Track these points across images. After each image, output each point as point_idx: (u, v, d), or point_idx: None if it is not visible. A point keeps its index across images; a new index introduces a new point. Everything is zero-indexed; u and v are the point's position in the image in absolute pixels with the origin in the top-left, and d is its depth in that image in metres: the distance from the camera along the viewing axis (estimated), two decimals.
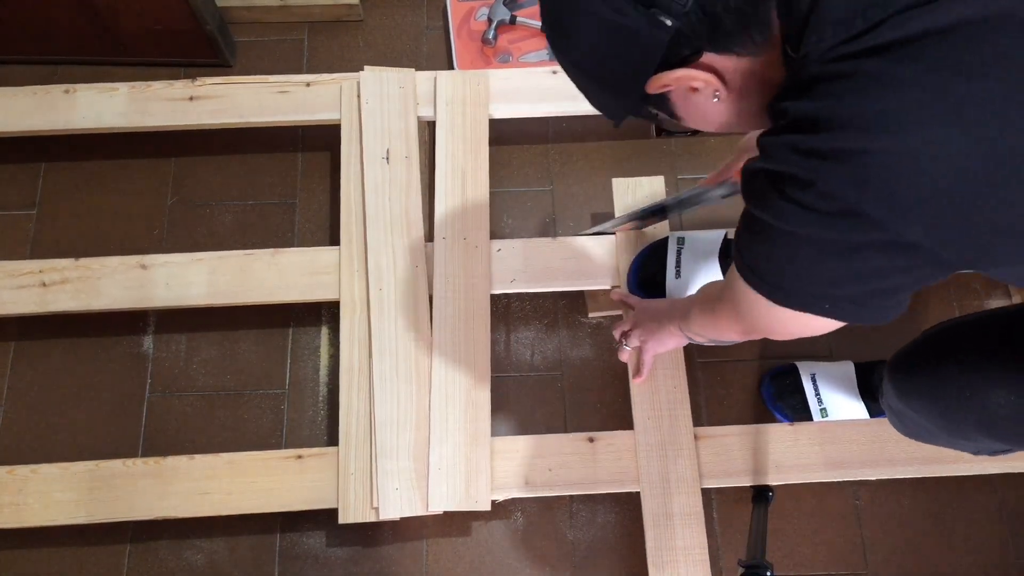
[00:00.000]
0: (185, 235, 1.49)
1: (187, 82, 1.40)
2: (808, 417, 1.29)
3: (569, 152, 1.56)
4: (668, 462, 1.20)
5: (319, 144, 1.55)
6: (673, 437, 1.21)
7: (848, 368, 1.32)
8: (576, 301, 1.45)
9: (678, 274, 1.25)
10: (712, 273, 1.25)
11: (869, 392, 1.28)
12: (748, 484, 1.20)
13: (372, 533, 1.30)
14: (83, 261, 1.30)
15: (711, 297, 0.95)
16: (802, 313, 0.69)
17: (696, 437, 1.21)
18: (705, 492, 1.26)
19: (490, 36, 1.56)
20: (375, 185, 1.33)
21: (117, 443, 1.35)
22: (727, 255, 1.26)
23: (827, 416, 1.28)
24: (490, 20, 1.58)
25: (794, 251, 0.64)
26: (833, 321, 0.71)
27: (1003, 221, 0.57)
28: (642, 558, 1.16)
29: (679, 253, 1.26)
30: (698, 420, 1.36)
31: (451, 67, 1.60)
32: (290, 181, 1.53)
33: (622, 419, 1.35)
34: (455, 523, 1.30)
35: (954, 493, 1.33)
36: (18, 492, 1.18)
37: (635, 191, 1.38)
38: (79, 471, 1.19)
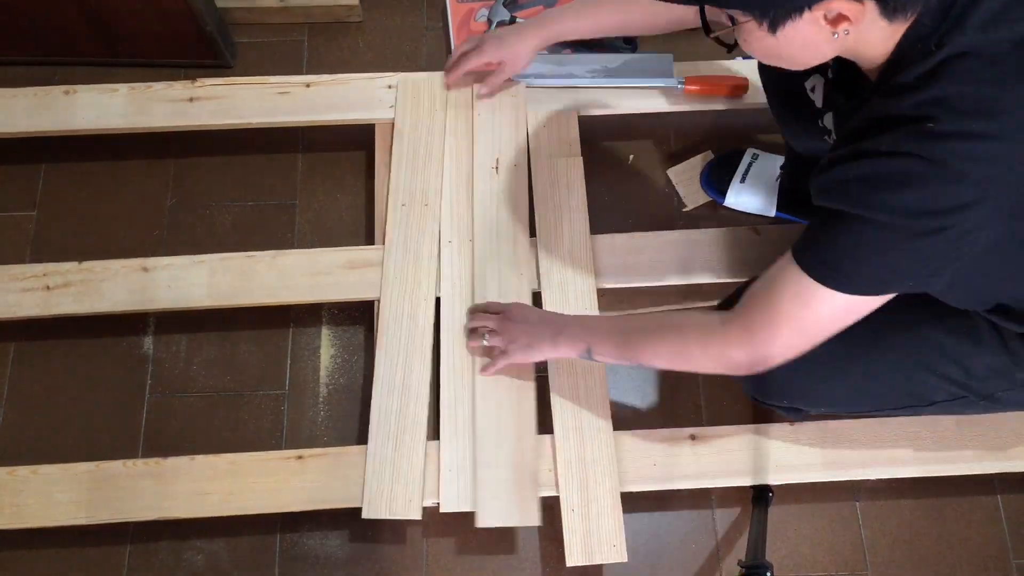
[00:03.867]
0: (185, 236, 1.49)
1: (187, 83, 1.40)
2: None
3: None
4: (587, 468, 1.17)
5: (319, 145, 1.56)
6: (593, 446, 1.19)
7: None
8: None
9: (743, 179, 1.45)
10: (770, 192, 1.44)
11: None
12: (748, 484, 1.20)
13: (372, 533, 1.30)
14: (86, 264, 1.30)
15: (692, 326, 0.96)
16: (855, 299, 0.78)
17: (695, 437, 1.21)
18: (705, 492, 1.26)
19: None
20: (482, 194, 1.33)
21: (117, 444, 1.35)
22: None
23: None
24: (490, 21, 1.58)
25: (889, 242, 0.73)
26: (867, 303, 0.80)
27: None
28: (642, 559, 1.16)
29: (750, 165, 1.46)
30: (698, 420, 1.36)
31: None
32: (290, 182, 1.53)
33: (621, 419, 1.35)
34: (455, 523, 1.30)
35: (954, 493, 1.33)
36: (18, 492, 1.18)
37: None
38: (79, 471, 1.19)
